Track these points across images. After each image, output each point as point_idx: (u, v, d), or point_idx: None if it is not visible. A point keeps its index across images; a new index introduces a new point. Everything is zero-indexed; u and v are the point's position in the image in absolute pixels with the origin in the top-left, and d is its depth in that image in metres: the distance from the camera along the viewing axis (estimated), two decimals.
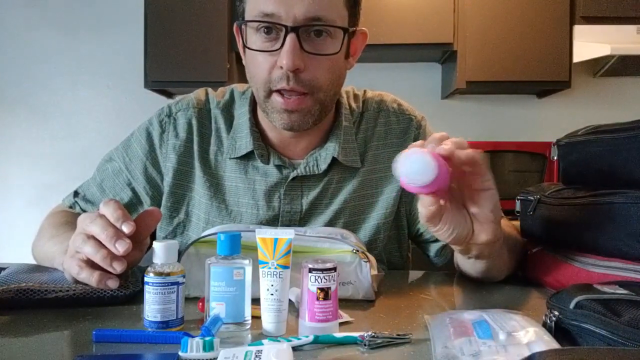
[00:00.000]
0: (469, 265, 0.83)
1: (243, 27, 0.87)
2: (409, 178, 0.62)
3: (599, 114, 2.80)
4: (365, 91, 1.05)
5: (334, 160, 0.94)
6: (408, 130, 1.01)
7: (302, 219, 0.95)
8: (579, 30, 2.43)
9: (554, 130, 1.83)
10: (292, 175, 0.94)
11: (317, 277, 0.58)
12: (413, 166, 0.62)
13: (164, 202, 0.98)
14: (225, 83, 2.43)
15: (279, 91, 0.85)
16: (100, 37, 2.97)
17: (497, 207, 0.68)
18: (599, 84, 2.84)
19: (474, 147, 0.66)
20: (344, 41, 0.86)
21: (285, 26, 0.81)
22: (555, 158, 2.36)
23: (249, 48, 0.86)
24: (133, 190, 0.99)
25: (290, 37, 0.81)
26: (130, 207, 0.99)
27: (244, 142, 0.95)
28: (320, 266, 0.59)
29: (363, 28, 0.94)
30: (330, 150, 0.94)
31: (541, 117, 2.87)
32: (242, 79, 2.71)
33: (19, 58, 3.00)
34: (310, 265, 0.59)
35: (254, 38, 0.85)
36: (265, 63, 0.84)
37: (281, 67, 0.82)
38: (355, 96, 1.04)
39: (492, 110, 2.88)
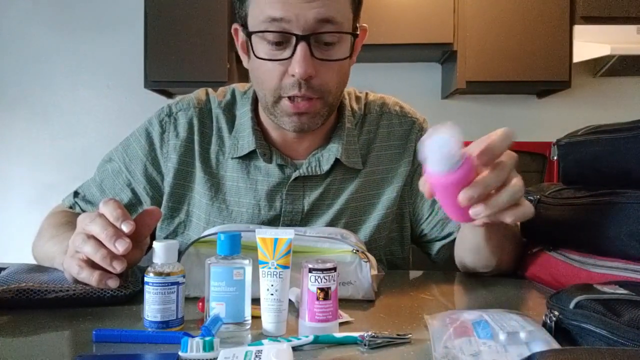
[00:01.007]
0: (478, 251, 0.83)
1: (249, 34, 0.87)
2: (433, 161, 0.61)
3: (599, 114, 2.80)
4: (367, 94, 1.05)
5: (336, 161, 0.95)
6: (410, 132, 1.01)
7: (303, 219, 0.95)
8: (579, 30, 2.43)
9: (554, 130, 1.83)
10: (294, 175, 0.94)
11: (317, 277, 0.58)
12: (439, 148, 0.60)
13: (164, 202, 0.98)
14: (225, 83, 2.43)
15: (289, 97, 0.85)
16: (100, 37, 2.97)
17: None
18: (599, 84, 2.83)
19: None
20: (352, 45, 0.87)
21: (296, 35, 0.81)
22: (555, 158, 2.35)
23: (257, 57, 0.85)
24: (133, 190, 0.99)
25: (302, 46, 0.81)
26: (130, 207, 0.99)
27: (246, 141, 0.94)
28: (320, 266, 0.59)
29: (363, 24, 0.93)
30: (333, 151, 0.95)
31: (541, 117, 2.87)
32: (242, 79, 2.71)
33: (19, 58, 3.00)
34: (310, 265, 0.59)
35: (262, 46, 0.84)
36: (275, 71, 0.84)
37: (293, 75, 0.82)
38: (357, 98, 1.04)
39: (492, 110, 2.88)
